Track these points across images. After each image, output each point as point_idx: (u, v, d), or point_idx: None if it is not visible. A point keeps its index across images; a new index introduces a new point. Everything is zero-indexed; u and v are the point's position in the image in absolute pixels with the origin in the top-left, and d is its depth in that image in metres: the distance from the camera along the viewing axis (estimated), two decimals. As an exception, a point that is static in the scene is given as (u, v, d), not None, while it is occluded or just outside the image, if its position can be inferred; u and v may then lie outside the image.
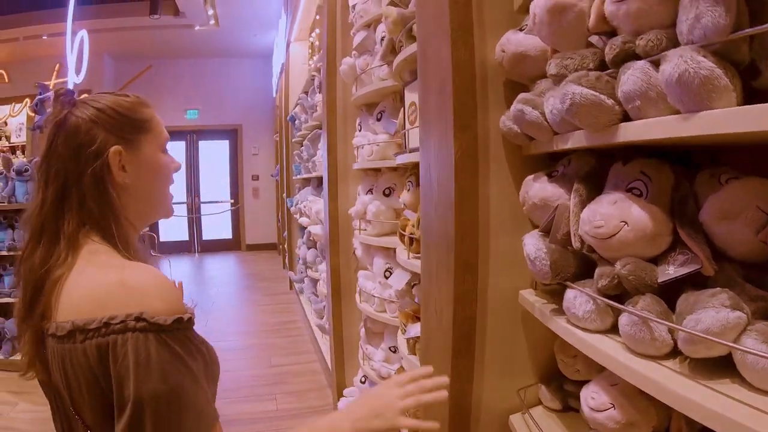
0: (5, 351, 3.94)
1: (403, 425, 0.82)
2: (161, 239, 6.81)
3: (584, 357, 1.01)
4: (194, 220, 9.13)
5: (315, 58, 5.23)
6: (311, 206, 3.80)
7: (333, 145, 2.65)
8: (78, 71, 5.23)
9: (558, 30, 0.92)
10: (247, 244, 9.43)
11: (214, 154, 9.43)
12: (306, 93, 4.47)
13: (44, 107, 4.60)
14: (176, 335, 0.71)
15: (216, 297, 5.85)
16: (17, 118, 8.15)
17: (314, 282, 4.36)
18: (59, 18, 7.09)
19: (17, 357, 3.90)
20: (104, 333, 0.68)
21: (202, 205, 9.22)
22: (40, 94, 4.61)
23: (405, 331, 1.77)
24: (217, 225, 9.29)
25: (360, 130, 2.45)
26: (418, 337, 1.58)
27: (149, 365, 0.67)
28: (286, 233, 6.96)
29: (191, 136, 9.21)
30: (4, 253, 4.04)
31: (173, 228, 8.44)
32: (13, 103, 8.09)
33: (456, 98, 1.08)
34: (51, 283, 0.74)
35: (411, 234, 1.57)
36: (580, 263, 0.93)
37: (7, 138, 8.28)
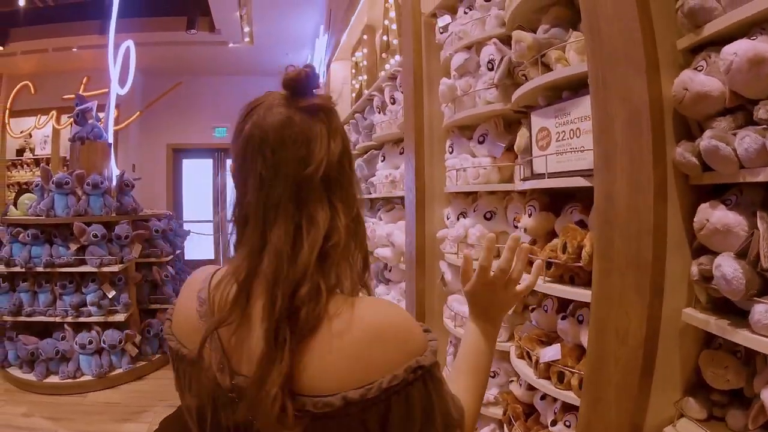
0: (39, 373, 3.96)
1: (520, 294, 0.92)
2: (186, 257, 6.86)
3: (735, 368, 1.19)
4: (220, 239, 9.23)
5: (361, 77, 5.38)
6: (374, 228, 3.86)
7: (421, 168, 2.74)
8: (123, 83, 5.36)
9: (753, 78, 1.07)
10: None
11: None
12: (361, 112, 4.59)
13: (86, 118, 4.74)
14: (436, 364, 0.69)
15: None
16: (42, 131, 8.34)
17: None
18: (90, 30, 7.32)
19: (52, 379, 3.96)
20: (385, 398, 0.63)
21: (228, 223, 9.30)
22: (77, 105, 4.74)
23: (527, 355, 1.84)
24: None
25: (452, 152, 2.54)
26: (555, 361, 1.65)
27: (434, 410, 0.67)
28: None
29: (219, 154, 9.42)
30: (40, 269, 4.04)
31: (198, 246, 8.55)
32: (39, 115, 8.28)
33: (654, 132, 1.21)
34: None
35: (551, 258, 1.64)
36: (761, 281, 1.06)
37: (32, 150, 8.45)
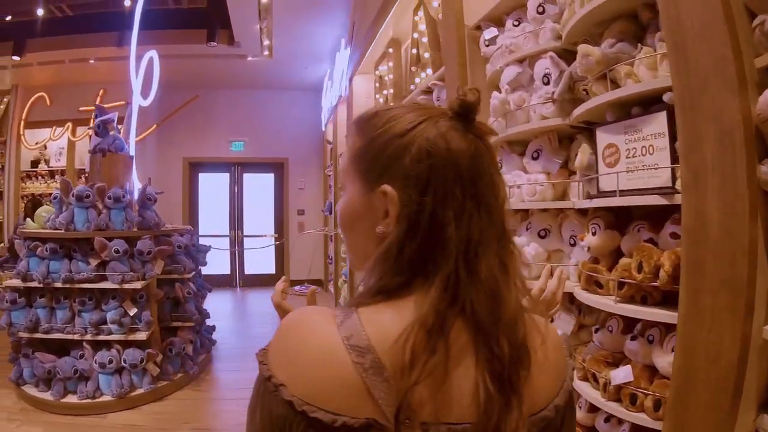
0: (56, 392, 3.89)
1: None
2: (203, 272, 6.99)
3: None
4: (237, 254, 9.24)
5: (386, 92, 5.40)
6: None
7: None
8: (146, 95, 5.38)
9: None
10: (291, 279, 9.49)
11: (259, 187, 9.65)
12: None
13: (107, 129, 4.74)
14: None
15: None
16: (57, 142, 8.40)
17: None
18: (107, 42, 7.39)
19: (69, 399, 3.91)
20: (570, 398, 0.72)
21: (245, 239, 9.37)
22: (97, 116, 4.74)
23: (593, 377, 1.80)
24: (260, 259, 9.45)
25: (500, 168, 2.51)
26: (626, 383, 1.62)
27: None
28: (335, 270, 7.10)
29: (236, 168, 9.50)
30: (59, 285, 3.99)
31: (215, 262, 8.57)
32: (54, 127, 8.36)
33: (747, 150, 1.22)
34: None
35: (623, 278, 1.61)
36: None
37: (47, 161, 8.51)
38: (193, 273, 4.68)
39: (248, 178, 9.63)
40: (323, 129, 9.06)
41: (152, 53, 5.53)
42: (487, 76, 2.65)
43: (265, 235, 9.40)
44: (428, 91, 3.69)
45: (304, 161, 9.55)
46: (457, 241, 0.64)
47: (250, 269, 9.55)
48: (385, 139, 0.69)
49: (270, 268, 9.57)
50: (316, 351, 0.62)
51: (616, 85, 1.76)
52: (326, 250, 9.14)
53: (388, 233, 0.67)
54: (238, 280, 9.46)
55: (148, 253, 4.09)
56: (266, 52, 7.40)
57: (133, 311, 3.96)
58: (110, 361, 3.85)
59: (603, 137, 1.81)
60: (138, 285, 3.94)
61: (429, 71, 3.97)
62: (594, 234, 1.86)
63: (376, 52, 5.56)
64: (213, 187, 9.46)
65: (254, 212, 9.54)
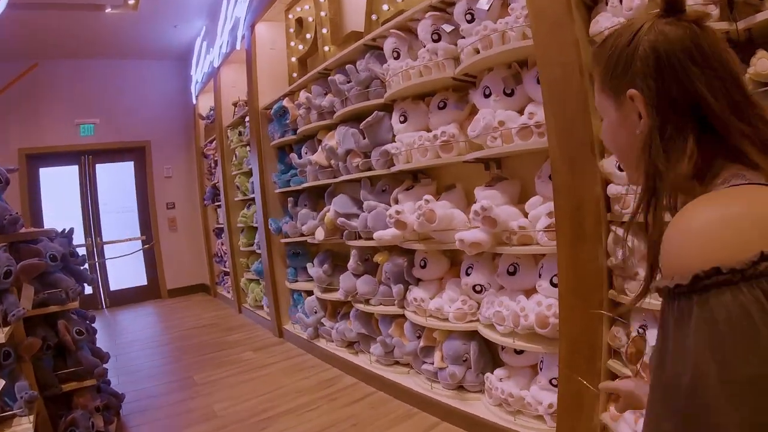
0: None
1: None
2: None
3: None
4: (98, 266, 6.95)
5: (309, 35, 4.17)
6: (396, 212, 2.80)
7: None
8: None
9: None
10: (168, 289, 7.46)
11: (117, 180, 7.26)
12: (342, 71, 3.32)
13: None
14: None
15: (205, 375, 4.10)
16: None
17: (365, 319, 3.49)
18: None
19: None
20: None
21: (105, 246, 7.00)
22: None
23: None
24: (127, 270, 7.11)
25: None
26: None
27: None
28: (233, 268, 5.43)
29: (86, 157, 6.94)
30: None
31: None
32: None
33: None
34: None
35: None
36: None
37: None
38: (78, 298, 2.90)
39: (102, 169, 7.12)
40: (194, 102, 7.19)
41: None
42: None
43: (130, 239, 7.13)
44: (440, 7, 2.63)
45: (170, 143, 7.47)
46: (720, 109, 0.67)
47: (116, 284, 7.18)
48: (617, 54, 0.74)
49: (141, 279, 7.36)
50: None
51: None
52: (209, 247, 7.30)
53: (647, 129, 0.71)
54: (103, 298, 7.05)
55: (6, 275, 2.32)
56: (131, 1, 5.43)
57: (-3, 383, 2.17)
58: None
59: None
60: (-5, 335, 2.15)
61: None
62: None
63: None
64: (59, 184, 6.81)
65: (113, 212, 7.17)
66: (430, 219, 2.56)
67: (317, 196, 4.38)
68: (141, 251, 7.10)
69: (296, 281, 4.53)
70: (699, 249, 0.54)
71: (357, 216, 3.38)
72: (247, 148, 5.48)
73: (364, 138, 3.20)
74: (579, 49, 1.89)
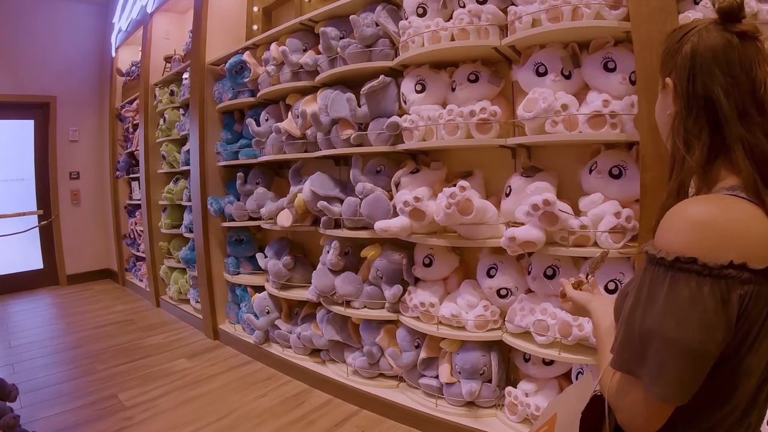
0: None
1: None
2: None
3: None
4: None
5: None
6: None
7: None
8: None
9: None
10: (68, 274, 6.30)
11: (11, 141, 5.91)
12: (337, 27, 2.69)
13: None
14: None
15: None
16: None
17: (340, 324, 2.89)
18: None
19: None
20: None
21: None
22: None
23: None
24: (19, 251, 5.82)
25: None
26: None
27: None
28: (150, 254, 4.53)
29: None
30: None
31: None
32: None
33: None
34: None
35: None
36: None
37: None
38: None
39: (-5, 128, 5.75)
40: (113, 55, 6.07)
41: None
42: None
43: (24, 213, 5.86)
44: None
45: (79, 102, 6.28)
46: (728, 110, 0.76)
47: (5, 267, 5.83)
48: (670, 46, 0.86)
49: (36, 263, 6.12)
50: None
51: None
52: (118, 226, 6.24)
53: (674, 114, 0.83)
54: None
55: None
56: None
57: None
58: None
59: None
60: None
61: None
62: None
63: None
64: None
65: (4, 180, 5.87)
66: (465, 210, 2.07)
67: (272, 173, 3.73)
68: (37, 228, 5.95)
69: (238, 273, 3.84)
70: (687, 237, 0.68)
71: (339, 200, 2.81)
72: (181, 110, 4.62)
73: (360, 106, 2.63)
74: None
